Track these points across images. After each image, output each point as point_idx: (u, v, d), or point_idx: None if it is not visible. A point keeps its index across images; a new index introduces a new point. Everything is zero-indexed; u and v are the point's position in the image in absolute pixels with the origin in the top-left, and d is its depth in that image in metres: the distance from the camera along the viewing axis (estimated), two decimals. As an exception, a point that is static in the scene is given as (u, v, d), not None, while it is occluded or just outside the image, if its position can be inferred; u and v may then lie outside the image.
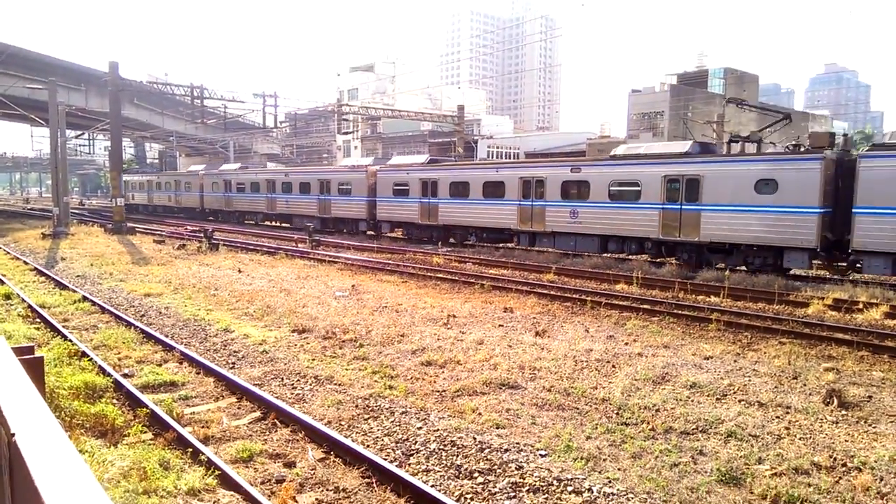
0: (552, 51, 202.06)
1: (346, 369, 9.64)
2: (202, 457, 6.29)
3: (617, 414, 7.78)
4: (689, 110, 43.47)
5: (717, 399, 8.36)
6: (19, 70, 42.33)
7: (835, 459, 6.47)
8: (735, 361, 10.24)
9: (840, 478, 6.10)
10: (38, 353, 1.90)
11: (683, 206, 19.81)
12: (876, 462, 6.40)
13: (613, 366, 9.80)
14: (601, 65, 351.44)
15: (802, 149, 18.25)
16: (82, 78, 48.09)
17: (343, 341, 11.26)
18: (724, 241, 19.14)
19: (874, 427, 7.43)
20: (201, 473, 5.98)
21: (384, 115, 59.42)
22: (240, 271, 19.96)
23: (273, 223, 41.84)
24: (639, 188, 20.98)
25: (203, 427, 7.29)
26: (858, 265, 17.26)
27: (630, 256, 22.47)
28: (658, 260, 21.35)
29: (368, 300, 15.20)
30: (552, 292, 16.29)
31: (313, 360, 10.16)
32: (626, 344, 11.28)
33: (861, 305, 14.22)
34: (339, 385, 8.89)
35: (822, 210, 17.13)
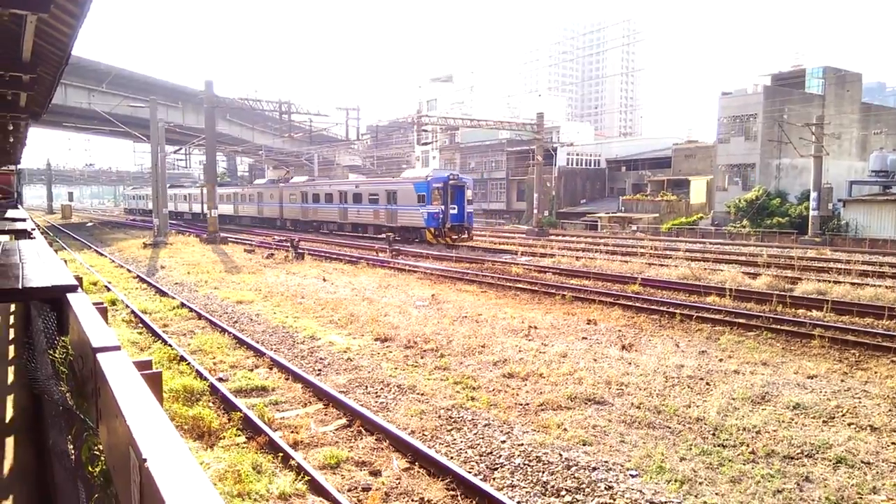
0: (634, 55, 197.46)
1: (428, 379, 9.65)
2: (292, 462, 6.42)
3: (713, 435, 7.38)
4: (784, 112, 41.24)
5: (824, 422, 7.80)
6: (123, 90, 45.41)
7: (964, 493, 5.88)
8: (842, 381, 9.54)
9: (971, 514, 5.53)
10: (154, 368, 1.95)
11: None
12: None
13: (707, 383, 9.34)
14: (688, 67, 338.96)
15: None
16: (179, 96, 51.00)
17: (424, 351, 11.29)
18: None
19: None
20: (292, 478, 6.09)
21: (462, 125, 59.60)
22: (324, 280, 20.47)
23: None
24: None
25: (292, 432, 7.45)
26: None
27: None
28: (752, 271, 20.37)
29: (448, 310, 15.22)
30: (638, 304, 15.78)
31: (396, 368, 10.24)
32: (721, 360, 10.74)
33: None
34: (422, 395, 8.89)
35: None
